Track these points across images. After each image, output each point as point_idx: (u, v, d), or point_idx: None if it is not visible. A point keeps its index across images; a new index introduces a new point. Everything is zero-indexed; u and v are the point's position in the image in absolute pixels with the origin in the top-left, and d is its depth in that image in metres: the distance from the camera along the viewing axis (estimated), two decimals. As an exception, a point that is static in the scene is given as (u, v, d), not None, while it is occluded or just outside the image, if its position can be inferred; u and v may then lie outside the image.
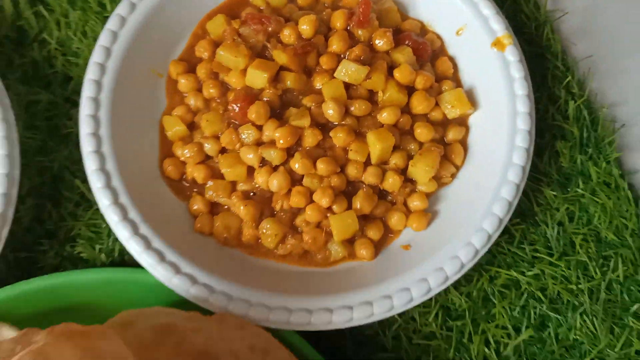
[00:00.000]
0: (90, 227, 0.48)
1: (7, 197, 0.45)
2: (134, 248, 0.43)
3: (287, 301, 0.43)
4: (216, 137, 0.48)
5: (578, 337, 0.46)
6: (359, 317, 0.43)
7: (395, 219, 0.48)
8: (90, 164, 0.45)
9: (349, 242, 0.47)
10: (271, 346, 0.41)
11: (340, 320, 0.43)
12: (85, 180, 0.48)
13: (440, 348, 0.46)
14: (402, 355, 0.46)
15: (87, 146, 0.45)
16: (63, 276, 0.44)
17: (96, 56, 0.48)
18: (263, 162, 0.47)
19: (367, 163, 0.48)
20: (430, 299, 0.47)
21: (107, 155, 0.45)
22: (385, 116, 0.48)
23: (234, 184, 0.48)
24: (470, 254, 0.44)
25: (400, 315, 0.47)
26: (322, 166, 0.46)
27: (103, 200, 0.44)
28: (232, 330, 0.42)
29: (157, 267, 0.43)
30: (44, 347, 0.34)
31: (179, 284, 0.43)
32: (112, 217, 0.44)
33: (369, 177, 0.47)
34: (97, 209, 0.48)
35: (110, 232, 0.47)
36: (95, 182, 0.45)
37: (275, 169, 0.47)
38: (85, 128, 0.46)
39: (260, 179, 0.47)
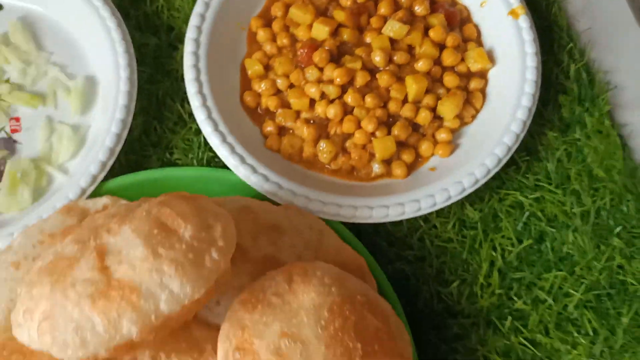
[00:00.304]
0: (185, 141, 0.61)
1: (124, 122, 0.58)
2: (223, 152, 0.56)
3: (338, 199, 0.56)
4: (286, 76, 0.61)
5: (570, 250, 0.58)
6: (393, 214, 0.55)
7: (424, 147, 0.60)
8: (191, 88, 0.58)
9: (387, 163, 0.60)
10: (325, 229, 0.54)
11: (378, 215, 0.55)
12: (182, 105, 0.62)
13: (455, 250, 0.58)
14: (425, 253, 0.58)
15: (189, 74, 0.59)
16: (167, 170, 0.57)
17: (198, 7, 0.61)
18: (322, 96, 0.60)
19: (405, 101, 0.60)
20: (449, 211, 0.59)
21: (203, 83, 0.59)
22: (421, 65, 0.60)
23: (298, 112, 0.61)
24: (484, 172, 0.56)
25: (425, 221, 0.59)
26: (369, 100, 0.59)
27: (200, 116, 0.58)
28: (295, 216, 0.54)
29: (239, 168, 0.56)
30: (164, 200, 0.46)
31: (255, 181, 0.56)
32: (206, 129, 0.57)
33: (406, 111, 0.60)
34: (191, 128, 0.61)
35: (200, 145, 0.60)
36: (195, 102, 0.58)
37: (332, 101, 0.60)
38: (188, 61, 0.59)
39: (319, 109, 0.60)
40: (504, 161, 0.57)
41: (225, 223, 0.45)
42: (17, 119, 0.61)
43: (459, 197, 0.56)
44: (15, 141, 0.61)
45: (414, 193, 0.56)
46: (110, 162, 0.58)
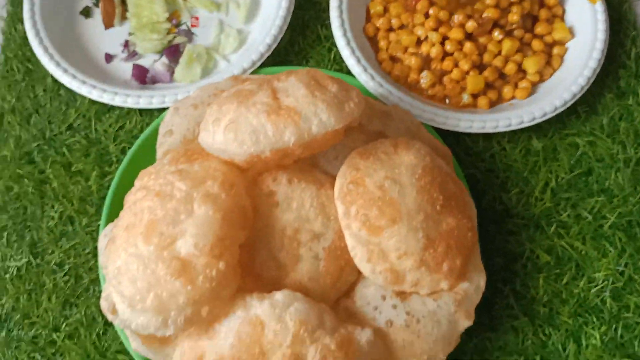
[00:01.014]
0: (319, 55, 0.80)
1: (275, 37, 0.77)
2: (351, 62, 0.74)
3: (434, 109, 0.72)
4: (398, 17, 0.78)
5: (611, 185, 0.71)
6: (476, 126, 0.71)
7: (506, 90, 0.75)
8: (333, 13, 0.76)
9: (474, 96, 0.75)
10: (421, 126, 0.69)
11: (464, 125, 0.71)
12: (321, 28, 0.80)
13: (519, 169, 0.72)
14: (494, 167, 0.73)
15: (333, 3, 0.77)
16: (306, 68, 0.74)
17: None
18: (427, 38, 0.77)
19: (497, 55, 0.76)
20: (518, 139, 0.74)
21: (343, 11, 0.76)
22: (516, 33, 0.76)
23: (406, 47, 0.78)
24: (552, 108, 0.71)
25: (497, 144, 0.74)
26: (468, 45, 0.75)
27: (337, 33, 0.76)
28: (400, 112, 0.70)
29: (361, 75, 0.73)
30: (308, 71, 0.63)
31: (372, 86, 0.73)
32: (340, 43, 0.75)
33: (497, 62, 0.76)
34: (324, 46, 0.80)
35: (329, 60, 0.79)
36: (335, 23, 0.76)
37: (434, 44, 0.76)
38: (333, 2, 0.78)
39: (424, 47, 0.77)
40: (569, 104, 0.72)
41: (358, 91, 0.62)
42: (197, 18, 0.81)
43: (530, 124, 0.71)
44: (193, 33, 0.81)
45: (494, 115, 0.71)
46: (261, 62, 0.76)
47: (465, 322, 0.59)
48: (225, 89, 0.71)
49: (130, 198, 0.58)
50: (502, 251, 0.68)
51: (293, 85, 0.59)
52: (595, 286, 0.66)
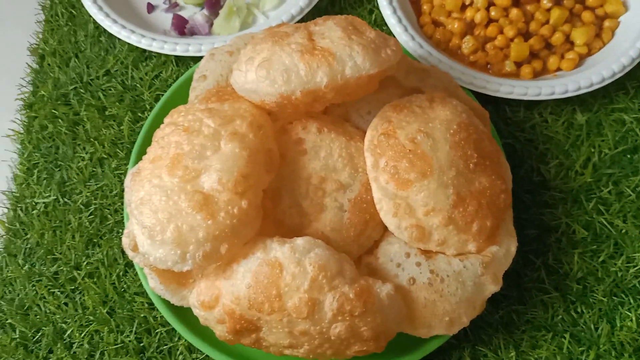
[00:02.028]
0: (360, 16, 0.79)
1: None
2: (392, 21, 0.73)
3: (474, 73, 0.69)
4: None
5: (657, 165, 0.67)
6: (517, 92, 0.68)
7: (552, 60, 0.72)
8: None
9: (518, 65, 0.72)
10: (458, 89, 0.67)
11: (505, 90, 0.68)
12: None
13: (560, 142, 0.69)
14: (533, 138, 0.70)
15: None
16: (345, 27, 0.73)
17: None
18: (472, 2, 0.74)
19: (545, 23, 0.73)
20: (561, 111, 0.71)
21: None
22: (565, 2, 0.73)
23: (450, 11, 0.75)
24: (599, 79, 0.68)
25: (539, 115, 0.71)
26: (514, 12, 0.72)
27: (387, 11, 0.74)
28: (438, 72, 0.68)
29: (402, 35, 0.72)
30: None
31: (412, 46, 0.71)
32: (382, 2, 0.73)
33: (544, 30, 0.73)
34: (366, 7, 0.79)
35: (370, 21, 0.77)
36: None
37: (479, 9, 0.74)
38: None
39: (468, 13, 0.74)
40: (618, 76, 0.68)
41: (395, 40, 0.60)
42: (239, -25, 0.81)
43: (575, 94, 0.67)
44: (234, -11, 0.80)
45: (537, 82, 0.68)
46: (300, 16, 0.75)
47: (492, 287, 0.56)
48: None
49: (158, 133, 0.58)
50: (536, 223, 0.65)
51: (330, 28, 0.58)
52: (634, 266, 0.62)
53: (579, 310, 0.62)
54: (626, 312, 0.61)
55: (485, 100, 0.69)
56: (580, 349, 0.60)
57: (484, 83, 0.68)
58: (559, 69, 0.72)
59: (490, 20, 0.73)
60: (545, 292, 0.62)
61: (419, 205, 0.55)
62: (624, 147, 0.68)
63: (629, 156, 0.68)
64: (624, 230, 0.64)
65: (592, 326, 0.61)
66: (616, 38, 0.73)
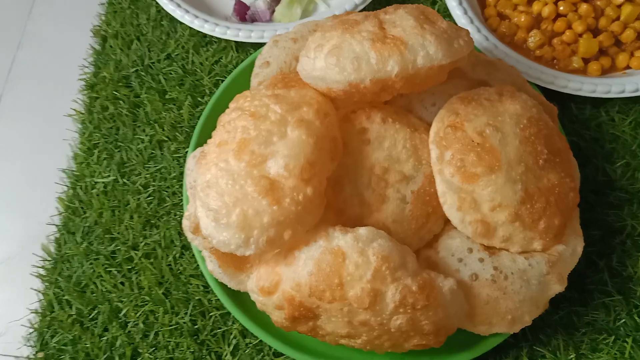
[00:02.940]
0: (422, 7, 0.77)
1: None
2: (457, 12, 0.72)
3: (541, 67, 0.68)
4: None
5: None
6: (586, 89, 0.67)
7: (621, 58, 0.70)
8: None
9: (585, 62, 0.70)
10: (526, 84, 0.66)
11: (573, 87, 0.67)
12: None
13: (627, 142, 0.67)
14: (599, 136, 0.68)
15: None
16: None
17: None
18: (541, -3, 0.73)
19: (615, 20, 0.71)
20: (630, 110, 0.69)
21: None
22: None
23: (516, 4, 0.74)
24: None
25: (606, 113, 0.69)
26: (584, 7, 0.71)
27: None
28: (503, 69, 0.67)
29: (467, 27, 0.70)
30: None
31: (477, 38, 0.70)
32: (452, 3, 0.73)
33: (614, 27, 0.71)
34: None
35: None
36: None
37: (547, 3, 0.72)
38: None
39: (535, 6, 0.73)
40: (690, 76, 0.66)
41: (467, 32, 0.59)
42: (303, -39, 0.81)
43: (645, 93, 0.65)
44: (296, -22, 0.80)
45: (607, 80, 0.66)
46: (363, 5, 0.74)
47: (556, 287, 0.55)
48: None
49: (224, 118, 0.58)
50: (601, 224, 0.63)
51: (401, 17, 0.57)
52: (703, 273, 0.61)
53: (642, 315, 0.60)
54: (692, 319, 0.59)
55: (551, 96, 0.67)
56: (642, 354, 0.58)
57: (552, 78, 0.66)
58: (627, 67, 0.70)
59: (558, 15, 0.71)
60: (607, 295, 0.61)
61: (484, 200, 0.54)
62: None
63: (698, 158, 0.66)
64: (693, 236, 0.62)
65: (656, 332, 0.59)
66: (690, 37, 0.70)
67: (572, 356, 0.59)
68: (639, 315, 0.60)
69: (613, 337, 0.59)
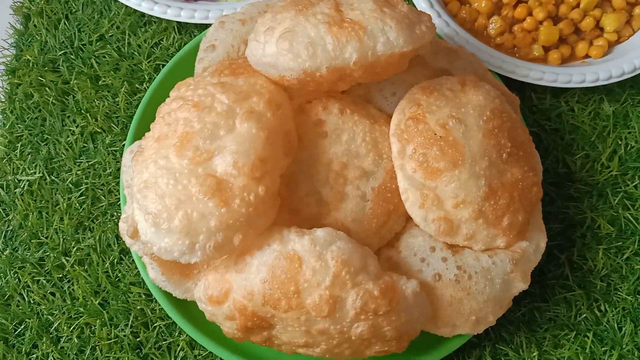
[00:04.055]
0: None
1: None
2: (421, 6, 0.67)
3: (503, 56, 0.65)
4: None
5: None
6: (547, 79, 0.64)
7: (580, 46, 0.68)
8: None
9: (546, 50, 0.68)
10: (487, 73, 0.63)
11: (534, 76, 0.64)
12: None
13: (586, 133, 0.66)
14: (559, 127, 0.67)
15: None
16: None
17: None
18: (502, -18, 0.70)
19: (575, 7, 0.69)
20: (588, 101, 0.67)
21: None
22: (597, -15, 0.70)
23: (477, -9, 0.71)
24: (631, 68, 0.64)
25: (566, 103, 0.67)
26: (544, -6, 0.68)
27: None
28: (466, 54, 0.63)
29: (427, 11, 0.66)
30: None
31: (438, 23, 0.67)
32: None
33: (574, 14, 0.69)
34: None
35: None
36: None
37: (509, -11, 0.70)
38: None
39: (497, -8, 0.70)
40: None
41: (429, 17, 0.55)
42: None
43: (605, 82, 0.64)
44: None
45: (568, 69, 0.65)
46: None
47: (520, 285, 0.53)
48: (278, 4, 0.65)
49: (163, 108, 0.52)
50: (561, 217, 0.62)
51: None
52: (661, 265, 0.60)
53: (602, 308, 0.59)
54: (650, 312, 0.59)
55: (511, 85, 0.65)
56: (603, 348, 0.57)
57: (513, 67, 0.64)
58: (587, 56, 0.68)
59: (518, 1, 0.69)
60: (568, 290, 0.60)
61: (448, 197, 0.51)
62: (652, 141, 0.65)
63: (656, 150, 0.66)
64: (651, 227, 0.62)
65: (616, 325, 0.58)
66: (646, 26, 0.70)
67: (534, 354, 0.57)
68: (599, 310, 0.59)
69: (574, 332, 0.58)
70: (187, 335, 0.57)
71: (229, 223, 0.46)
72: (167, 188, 0.46)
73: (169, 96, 0.53)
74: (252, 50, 0.53)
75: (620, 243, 0.61)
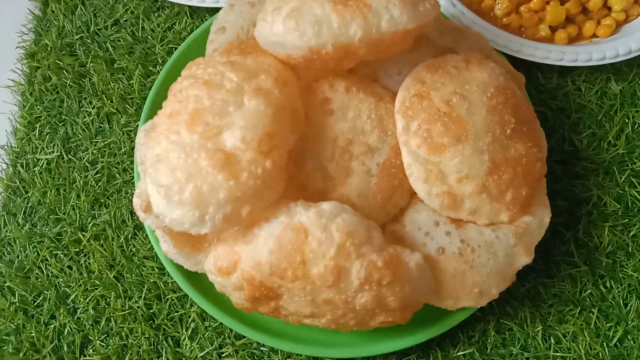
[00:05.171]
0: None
1: None
2: None
3: (509, 35, 0.66)
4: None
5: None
6: (554, 57, 0.65)
7: (588, 26, 0.69)
8: None
9: (553, 30, 0.69)
10: (493, 52, 0.63)
11: (541, 55, 0.65)
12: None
13: (593, 112, 0.66)
14: (566, 106, 0.67)
15: None
16: None
17: None
18: (509, -38, 0.70)
19: (581, -14, 0.70)
20: (595, 80, 0.68)
21: None
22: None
23: (484, -29, 0.71)
24: (637, 46, 0.65)
25: (572, 82, 0.68)
26: (551, -27, 0.69)
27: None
28: (471, 36, 0.64)
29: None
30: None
31: (444, 4, 0.68)
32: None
33: (580, -6, 0.69)
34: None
35: None
36: None
37: (517, -31, 0.70)
38: None
39: (504, -28, 0.70)
40: (653, 47, 0.65)
41: (434, -5, 0.56)
42: None
43: (612, 61, 0.64)
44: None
45: (574, 48, 0.65)
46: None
47: (524, 259, 0.54)
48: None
49: (175, 87, 0.54)
50: (567, 194, 0.63)
51: (364, -22, 0.54)
52: (667, 242, 0.61)
53: (607, 285, 0.59)
54: (656, 288, 0.59)
55: (518, 65, 0.65)
56: (608, 324, 0.58)
57: (519, 47, 0.64)
58: (594, 36, 0.68)
59: (525, -19, 0.70)
60: (574, 266, 0.60)
61: (451, 172, 0.52)
62: (659, 119, 0.65)
63: (663, 128, 0.66)
64: (656, 205, 0.62)
65: (621, 302, 0.59)
66: (655, 5, 0.70)
67: (539, 328, 0.58)
68: (604, 286, 0.59)
69: (579, 308, 0.59)
70: (198, 307, 0.59)
71: (237, 195, 0.47)
72: (178, 162, 0.48)
73: (180, 75, 0.55)
74: (260, 29, 0.54)
75: (627, 220, 0.61)
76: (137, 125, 0.66)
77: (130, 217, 0.63)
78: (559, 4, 0.68)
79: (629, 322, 0.58)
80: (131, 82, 0.69)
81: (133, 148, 0.66)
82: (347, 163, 0.54)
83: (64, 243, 0.63)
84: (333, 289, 0.49)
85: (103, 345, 0.58)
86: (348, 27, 0.50)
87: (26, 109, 0.70)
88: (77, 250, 0.63)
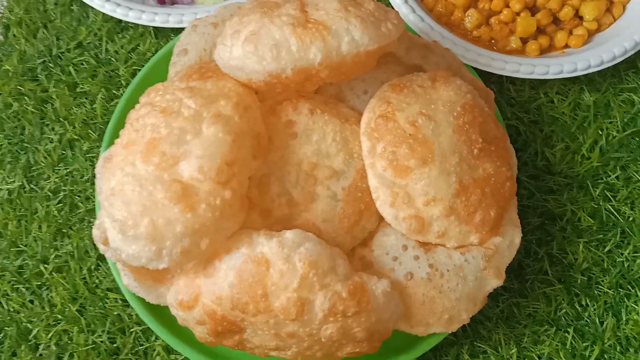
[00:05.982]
0: None
1: None
2: (395, 2, 0.67)
3: (478, 49, 0.65)
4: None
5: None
6: (524, 71, 0.64)
7: (559, 36, 0.67)
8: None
9: (524, 41, 0.67)
10: (462, 67, 0.62)
11: (511, 69, 0.64)
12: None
13: (566, 124, 0.65)
14: (539, 119, 0.66)
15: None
16: None
17: None
18: (478, -26, 0.69)
19: (553, -4, 0.68)
20: (568, 92, 0.66)
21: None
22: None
23: (453, -17, 0.70)
24: (610, 57, 0.64)
25: (545, 95, 0.66)
26: (521, -16, 0.67)
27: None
28: (441, 49, 0.63)
29: (401, 7, 0.67)
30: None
31: (412, 19, 0.66)
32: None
33: (552, 4, 0.68)
34: None
35: None
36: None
37: (486, -19, 0.69)
38: None
39: (473, -16, 0.69)
40: (630, 53, 0.64)
41: (397, 13, 0.54)
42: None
43: (584, 72, 0.63)
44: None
45: (545, 60, 0.64)
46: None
47: (494, 282, 0.53)
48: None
49: (132, 115, 0.52)
50: (540, 210, 0.61)
51: (324, -1, 0.52)
52: (643, 257, 0.59)
53: (583, 303, 0.58)
54: (632, 304, 0.58)
55: (488, 78, 0.64)
56: (584, 344, 0.57)
57: (489, 60, 0.63)
58: (566, 46, 0.67)
59: (495, -7, 0.68)
60: (548, 284, 0.59)
61: (418, 195, 0.50)
62: (632, 130, 0.64)
63: (637, 139, 0.64)
64: (631, 218, 0.61)
65: (597, 320, 0.57)
66: (626, 14, 0.68)
67: (513, 350, 0.57)
68: (580, 304, 0.58)
69: (554, 328, 0.57)
70: (163, 340, 0.57)
71: (195, 228, 0.46)
72: (133, 195, 0.46)
73: (138, 101, 0.53)
74: (219, 53, 0.53)
75: (602, 235, 0.60)
76: (100, 152, 0.64)
77: (93, 248, 0.62)
78: (529, 15, 0.66)
79: (605, 341, 0.57)
80: (94, 106, 0.67)
81: (95, 175, 0.64)
82: (312, 188, 0.53)
83: (25, 276, 0.61)
84: (297, 322, 0.47)
85: (66, 382, 0.56)
86: (307, 51, 0.49)
87: (-14, 137, 0.68)
88: (39, 283, 0.61)
